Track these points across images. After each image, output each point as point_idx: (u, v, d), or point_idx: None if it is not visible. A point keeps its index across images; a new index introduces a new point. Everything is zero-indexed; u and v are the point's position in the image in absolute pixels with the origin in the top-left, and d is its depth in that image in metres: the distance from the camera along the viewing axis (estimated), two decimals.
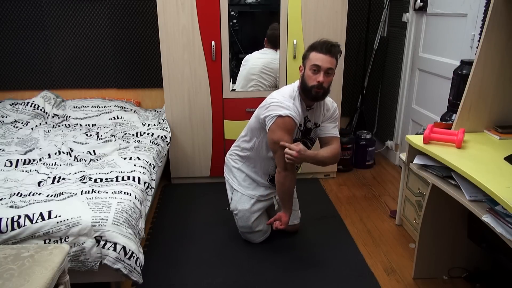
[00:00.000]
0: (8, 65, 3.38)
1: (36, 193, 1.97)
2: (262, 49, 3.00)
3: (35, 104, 3.20)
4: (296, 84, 2.17)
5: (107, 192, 1.97)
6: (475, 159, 1.58)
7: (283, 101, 2.09)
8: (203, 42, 2.87)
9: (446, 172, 1.62)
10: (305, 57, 2.10)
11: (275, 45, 2.96)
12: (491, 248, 1.87)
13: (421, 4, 3.04)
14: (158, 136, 2.87)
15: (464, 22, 2.58)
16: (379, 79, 3.76)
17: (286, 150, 2.04)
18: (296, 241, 2.44)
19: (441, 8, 2.86)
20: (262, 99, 2.23)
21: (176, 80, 2.95)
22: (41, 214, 1.75)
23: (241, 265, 2.22)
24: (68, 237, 1.73)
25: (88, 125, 3.12)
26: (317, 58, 2.02)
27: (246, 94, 2.99)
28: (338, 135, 2.31)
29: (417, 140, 1.77)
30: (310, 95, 2.08)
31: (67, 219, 1.74)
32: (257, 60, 3.01)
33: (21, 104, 3.20)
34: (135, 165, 2.34)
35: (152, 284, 2.06)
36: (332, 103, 2.29)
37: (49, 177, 2.15)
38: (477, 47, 1.82)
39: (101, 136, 2.84)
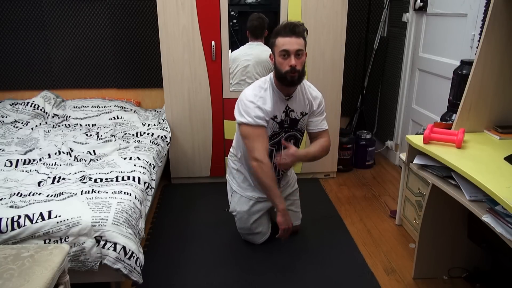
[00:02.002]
0: (8, 65, 3.38)
1: (36, 193, 1.97)
2: (247, 43, 2.98)
3: (35, 104, 3.20)
4: (269, 76, 2.15)
5: (107, 192, 1.97)
6: (475, 159, 1.58)
7: (250, 97, 2.09)
8: (203, 42, 2.87)
9: (446, 172, 1.62)
10: (272, 45, 2.06)
11: (257, 35, 2.94)
12: (491, 248, 1.87)
13: (421, 4, 3.04)
14: (158, 136, 2.87)
15: (464, 22, 2.58)
16: (379, 79, 3.76)
17: (279, 160, 2.08)
18: (296, 241, 2.44)
19: (441, 8, 2.86)
20: None
21: (176, 80, 2.95)
22: (41, 214, 1.75)
23: (241, 265, 2.22)
24: (68, 237, 1.73)
25: (88, 125, 3.12)
26: (283, 42, 1.99)
27: None
28: (327, 127, 2.29)
29: (417, 140, 1.77)
30: (286, 81, 2.05)
31: (67, 219, 1.74)
32: (248, 56, 2.98)
33: (21, 104, 3.20)
34: (135, 165, 2.33)
35: (152, 284, 2.06)
36: (317, 93, 2.25)
37: (49, 177, 2.15)
38: (477, 47, 1.82)
39: (101, 136, 2.84)
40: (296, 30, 1.99)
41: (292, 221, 2.47)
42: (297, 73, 2.01)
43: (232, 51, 2.96)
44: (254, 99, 2.09)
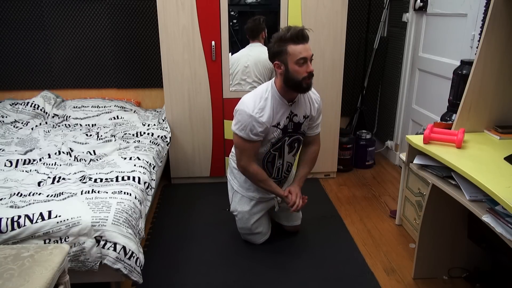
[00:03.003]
0: (8, 65, 3.38)
1: (36, 193, 1.97)
2: (248, 45, 2.98)
3: (35, 104, 3.20)
4: (270, 83, 2.14)
5: (107, 192, 1.97)
6: (475, 159, 1.58)
7: (249, 109, 2.08)
8: (203, 42, 2.87)
9: (446, 172, 1.62)
10: (280, 53, 2.01)
11: (254, 36, 2.95)
12: (491, 248, 1.87)
13: (421, 4, 3.04)
14: (158, 136, 2.87)
15: (464, 22, 2.58)
16: (379, 79, 3.76)
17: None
18: (296, 241, 2.44)
19: (441, 8, 2.86)
20: None
21: (176, 80, 2.95)
22: (41, 214, 1.75)
23: (241, 265, 2.22)
24: (68, 237, 1.73)
25: (88, 125, 3.12)
26: (299, 50, 1.98)
27: None
28: (319, 131, 2.35)
29: (417, 140, 1.77)
30: (302, 88, 2.06)
31: (67, 219, 1.74)
32: (248, 57, 2.98)
33: (21, 104, 3.20)
34: (135, 165, 2.33)
35: (152, 284, 2.06)
36: (317, 96, 2.27)
37: (49, 177, 2.15)
38: (477, 47, 1.82)
39: (101, 136, 2.84)
40: (306, 35, 2.00)
41: (294, 222, 2.49)
42: (311, 78, 2.04)
43: (233, 54, 2.97)
44: (253, 112, 2.08)
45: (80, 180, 2.14)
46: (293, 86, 2.06)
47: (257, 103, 2.10)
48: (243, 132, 2.10)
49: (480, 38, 1.81)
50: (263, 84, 2.20)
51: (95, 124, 3.12)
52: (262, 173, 2.23)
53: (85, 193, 1.96)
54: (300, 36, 1.98)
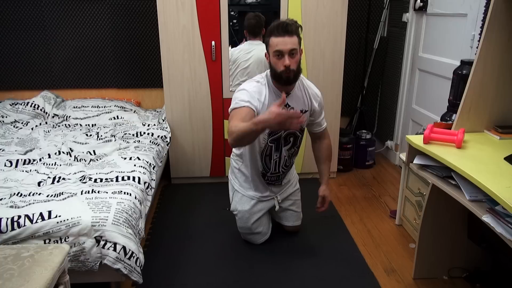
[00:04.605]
0: (8, 65, 3.37)
1: (36, 193, 1.97)
2: (246, 42, 2.98)
3: (35, 104, 3.20)
4: (266, 72, 2.16)
5: (107, 192, 1.97)
6: (475, 159, 1.58)
7: (244, 87, 2.09)
8: (203, 42, 2.87)
9: (446, 172, 1.62)
10: (266, 44, 2.06)
11: (256, 34, 2.94)
12: (491, 248, 1.87)
13: (421, 4, 3.04)
14: (158, 136, 2.87)
15: (464, 22, 2.58)
16: (379, 79, 3.76)
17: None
18: (296, 241, 2.44)
19: (441, 8, 2.86)
20: None
21: (176, 80, 2.95)
22: (41, 214, 1.75)
23: (241, 265, 2.22)
24: (68, 237, 1.73)
25: (88, 125, 3.12)
26: (277, 42, 1.98)
27: None
28: (326, 124, 2.36)
29: (417, 140, 1.77)
30: (282, 81, 2.04)
31: (67, 219, 1.74)
32: (248, 56, 2.97)
33: (21, 104, 3.20)
34: (135, 165, 2.33)
35: (152, 284, 2.06)
36: (316, 90, 2.26)
37: (49, 177, 2.15)
38: (477, 47, 1.82)
39: (101, 136, 2.84)
40: (289, 29, 1.98)
41: (294, 222, 2.49)
42: (292, 72, 2.01)
43: (231, 47, 2.96)
44: (249, 89, 2.09)
45: (80, 180, 2.14)
46: (275, 78, 2.06)
47: (253, 85, 2.11)
48: (235, 101, 2.05)
49: (480, 38, 1.81)
50: (259, 74, 2.21)
51: (95, 124, 3.12)
52: (258, 163, 2.25)
53: (85, 193, 1.96)
54: (280, 28, 1.97)
